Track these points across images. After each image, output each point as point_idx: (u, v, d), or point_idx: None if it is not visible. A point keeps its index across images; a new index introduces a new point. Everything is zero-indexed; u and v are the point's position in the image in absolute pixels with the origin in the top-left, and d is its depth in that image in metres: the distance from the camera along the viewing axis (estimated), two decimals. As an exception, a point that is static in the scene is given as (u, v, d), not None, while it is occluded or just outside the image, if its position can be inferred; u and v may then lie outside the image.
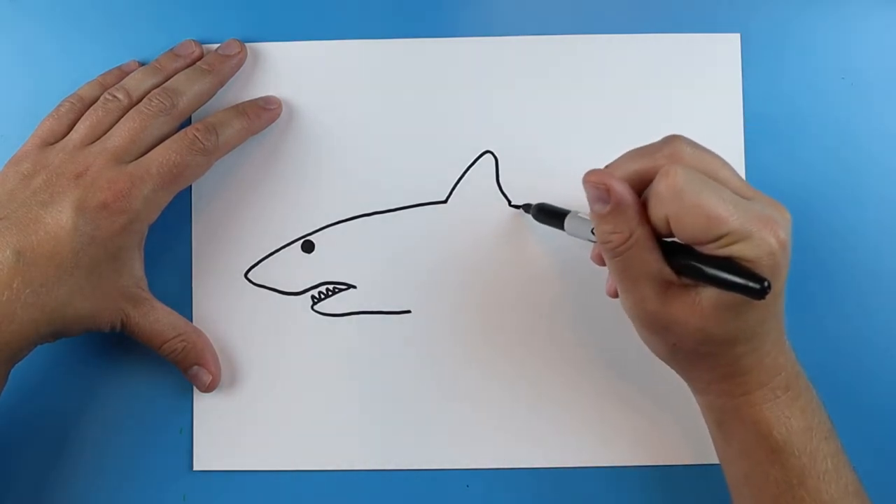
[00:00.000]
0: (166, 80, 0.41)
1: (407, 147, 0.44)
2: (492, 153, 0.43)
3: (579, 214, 0.38)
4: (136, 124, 0.39)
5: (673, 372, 0.37)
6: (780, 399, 0.34)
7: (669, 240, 0.33)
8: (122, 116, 0.40)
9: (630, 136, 0.43)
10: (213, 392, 0.42)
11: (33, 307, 0.36)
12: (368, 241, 0.43)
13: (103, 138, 0.39)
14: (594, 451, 0.42)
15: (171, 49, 0.43)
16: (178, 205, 0.42)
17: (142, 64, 0.43)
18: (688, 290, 0.33)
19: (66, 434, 0.43)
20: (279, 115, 0.43)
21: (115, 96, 0.40)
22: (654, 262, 0.33)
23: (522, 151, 0.43)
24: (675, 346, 0.34)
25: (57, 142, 0.40)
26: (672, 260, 0.33)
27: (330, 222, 0.43)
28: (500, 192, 0.43)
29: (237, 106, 0.42)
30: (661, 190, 0.31)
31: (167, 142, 0.39)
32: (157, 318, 0.40)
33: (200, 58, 0.43)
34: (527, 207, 0.42)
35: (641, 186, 0.33)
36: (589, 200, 0.33)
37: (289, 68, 0.44)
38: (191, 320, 0.43)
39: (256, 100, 0.43)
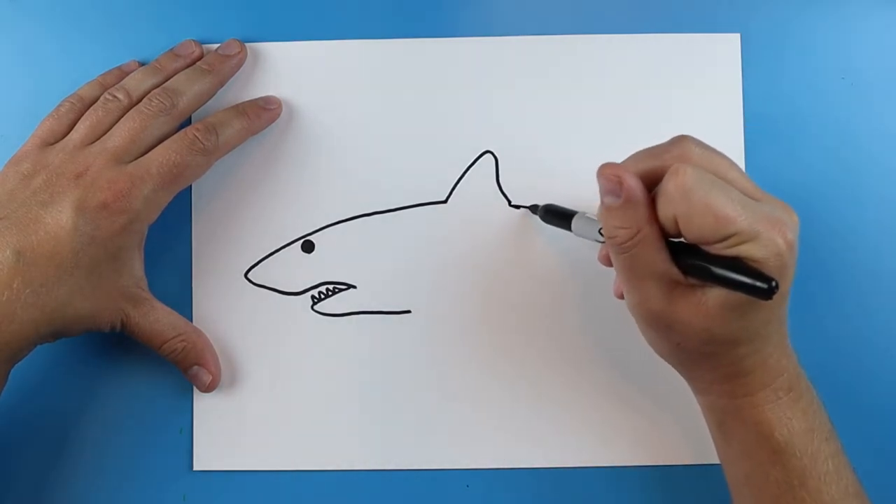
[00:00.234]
0: (166, 80, 0.41)
1: (407, 147, 0.44)
2: (492, 153, 0.43)
3: (587, 215, 0.38)
4: (136, 124, 0.39)
5: (673, 372, 0.37)
6: (781, 400, 0.34)
7: (676, 240, 0.33)
8: (122, 116, 0.40)
9: (630, 136, 0.43)
10: (213, 392, 0.42)
11: (33, 307, 0.36)
12: (368, 241, 0.43)
13: (103, 138, 0.39)
14: (594, 451, 0.42)
15: (171, 49, 0.43)
16: (178, 205, 0.42)
17: (142, 64, 0.43)
18: (693, 290, 0.33)
19: (66, 434, 0.43)
20: (279, 115, 0.43)
21: (115, 96, 0.40)
22: (660, 261, 0.33)
23: (522, 151, 0.43)
24: (678, 345, 0.34)
25: (57, 142, 0.40)
26: (679, 260, 0.33)
27: (330, 222, 0.43)
28: (500, 192, 0.43)
29: (237, 106, 0.42)
30: (669, 189, 0.31)
31: (167, 142, 0.39)
32: (157, 318, 0.40)
33: (200, 58, 0.43)
34: (534, 208, 0.42)
35: (650, 186, 0.33)
36: (601, 193, 0.33)
37: (289, 68, 0.44)
38: (191, 320, 0.43)
39: (256, 100, 0.43)
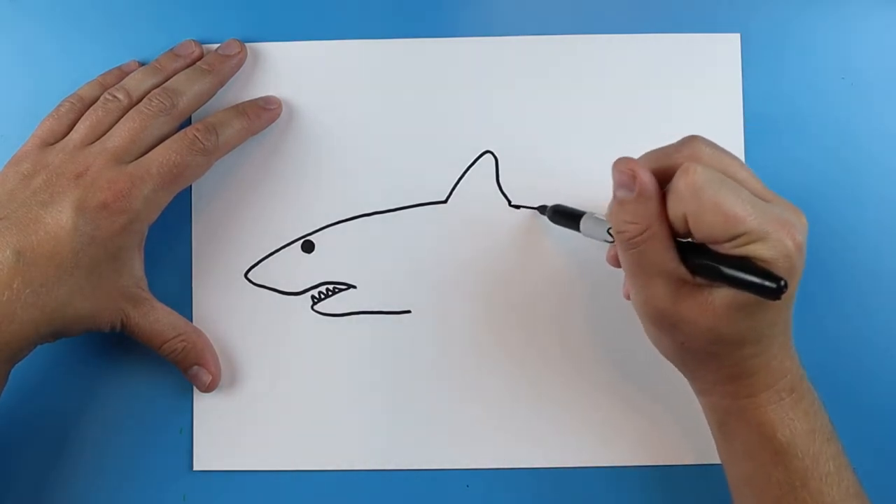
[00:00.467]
0: (166, 80, 0.41)
1: (407, 147, 0.44)
2: (492, 153, 0.43)
3: (595, 215, 0.38)
4: (136, 124, 0.39)
5: (673, 372, 0.37)
6: (784, 401, 0.34)
7: (685, 240, 0.33)
8: (122, 116, 0.40)
9: (630, 136, 0.43)
10: (213, 392, 0.42)
11: (33, 307, 0.36)
12: (368, 241, 0.43)
13: (103, 138, 0.39)
14: (594, 451, 0.42)
15: (171, 49, 0.43)
16: (178, 205, 0.42)
17: (142, 64, 0.43)
18: (700, 290, 0.33)
19: (66, 434, 0.43)
20: (279, 115, 0.43)
21: (115, 96, 0.40)
22: (668, 259, 0.33)
23: (522, 151, 0.43)
24: (683, 344, 0.34)
25: (57, 142, 0.40)
26: (687, 259, 0.33)
27: (330, 222, 0.43)
28: (500, 192, 0.43)
29: (237, 106, 0.42)
30: (680, 187, 0.31)
31: (167, 142, 0.39)
32: (157, 318, 0.40)
33: (200, 58, 0.43)
34: (542, 209, 0.42)
35: (661, 185, 0.33)
36: (614, 186, 0.33)
37: (289, 68, 0.44)
38: (191, 320, 0.43)
39: (256, 100, 0.43)
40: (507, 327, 0.43)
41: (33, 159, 0.39)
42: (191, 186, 0.43)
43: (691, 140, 0.33)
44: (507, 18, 0.44)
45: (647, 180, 0.32)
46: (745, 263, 0.31)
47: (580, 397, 0.43)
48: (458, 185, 0.43)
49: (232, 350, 0.43)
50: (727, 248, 0.31)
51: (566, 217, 0.40)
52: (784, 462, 0.34)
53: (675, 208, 0.32)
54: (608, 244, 0.39)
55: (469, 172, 0.43)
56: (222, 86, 0.43)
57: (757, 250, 0.31)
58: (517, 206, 0.43)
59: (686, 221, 0.32)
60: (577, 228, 0.39)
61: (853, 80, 0.44)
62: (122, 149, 0.39)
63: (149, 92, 0.41)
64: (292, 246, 0.43)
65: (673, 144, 0.34)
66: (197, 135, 0.40)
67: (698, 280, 0.33)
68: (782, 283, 0.29)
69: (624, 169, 0.33)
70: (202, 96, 0.42)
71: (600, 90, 0.44)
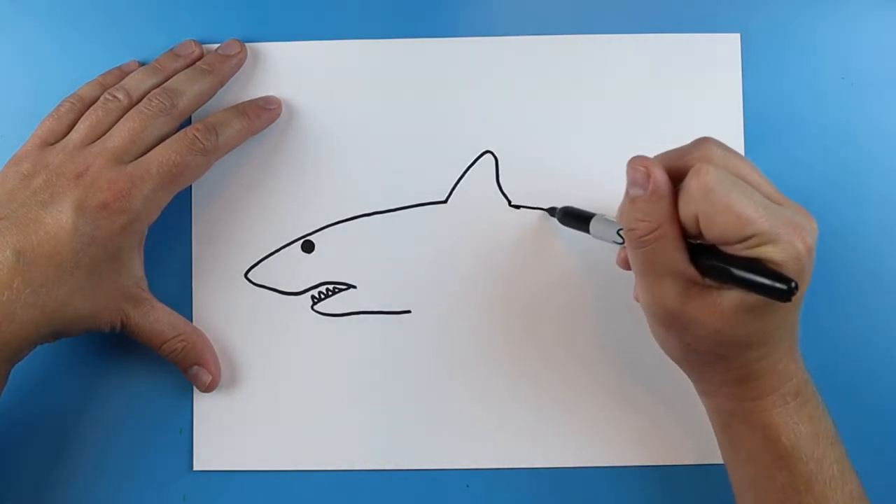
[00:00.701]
0: (166, 80, 0.41)
1: (407, 147, 0.44)
2: (492, 153, 0.43)
3: (605, 217, 0.38)
4: (136, 124, 0.39)
5: (675, 371, 0.37)
6: (789, 405, 0.34)
7: (695, 242, 0.33)
8: (122, 116, 0.40)
9: (630, 136, 0.43)
10: (213, 392, 0.42)
11: (33, 307, 0.36)
12: (368, 241, 0.43)
13: (103, 138, 0.39)
14: (594, 451, 0.42)
15: (171, 49, 0.43)
16: (178, 205, 0.42)
17: (142, 64, 0.43)
18: (709, 291, 0.33)
19: (66, 434, 0.43)
20: (279, 115, 0.43)
21: (115, 96, 0.40)
22: (678, 259, 0.33)
23: (522, 151, 0.43)
24: (689, 345, 0.34)
25: (57, 142, 0.40)
26: (698, 261, 0.33)
27: (330, 222, 0.43)
28: (500, 192, 0.43)
29: (237, 106, 0.42)
30: (692, 187, 0.31)
31: (167, 142, 0.40)
32: (156, 318, 0.40)
33: (200, 58, 0.43)
34: (551, 211, 0.42)
35: (672, 186, 0.33)
36: (627, 184, 0.34)
37: (289, 68, 0.44)
38: (191, 320, 0.43)
39: (256, 100, 0.43)
40: (507, 327, 0.43)
41: (33, 159, 0.39)
42: (191, 186, 0.43)
43: (703, 141, 0.33)
44: (507, 18, 0.44)
45: (661, 179, 0.32)
46: (756, 265, 0.31)
47: (580, 397, 0.43)
48: (458, 185, 0.43)
49: (232, 350, 0.43)
50: (738, 250, 0.31)
51: (576, 219, 0.40)
52: (788, 466, 0.34)
53: (687, 209, 0.32)
54: (612, 246, 0.39)
55: (469, 172, 0.43)
56: (222, 86, 0.43)
57: (767, 252, 0.31)
58: (517, 206, 0.43)
59: (697, 222, 0.32)
60: (586, 230, 0.39)
61: (853, 80, 0.44)
62: (122, 149, 0.39)
63: (149, 92, 0.41)
64: (292, 246, 0.43)
65: (685, 146, 0.34)
66: (197, 135, 0.40)
67: (707, 281, 0.33)
68: (793, 284, 0.29)
69: (638, 167, 0.33)
70: (202, 96, 0.42)
71: (600, 90, 0.44)
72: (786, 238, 0.31)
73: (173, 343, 0.40)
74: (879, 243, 0.43)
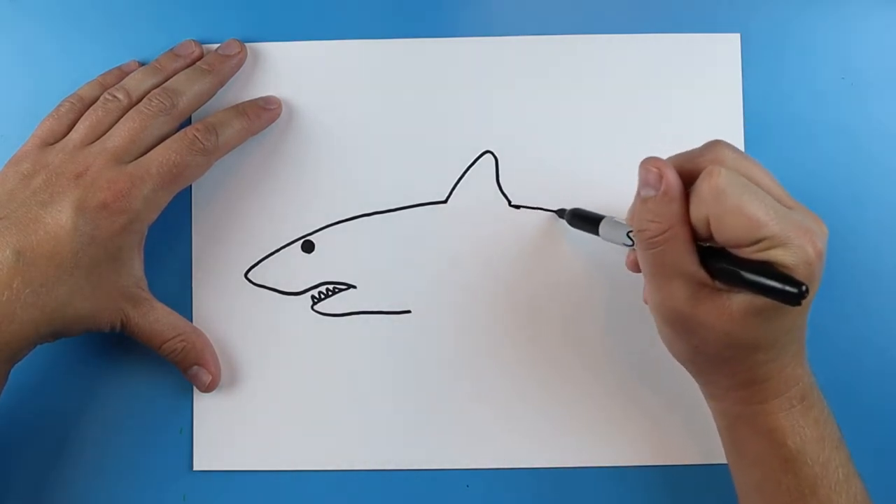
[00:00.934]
0: (166, 80, 0.41)
1: (407, 147, 0.44)
2: (492, 153, 0.43)
3: (614, 219, 0.38)
4: (136, 124, 0.39)
5: (677, 371, 0.37)
6: (795, 409, 0.34)
7: (705, 244, 0.33)
8: (122, 116, 0.40)
9: (630, 136, 0.43)
10: (213, 392, 0.42)
11: (33, 307, 0.36)
12: (368, 241, 0.43)
13: (103, 138, 0.39)
14: (595, 450, 0.42)
15: (171, 49, 0.43)
16: (178, 205, 0.42)
17: (142, 64, 0.43)
18: (719, 294, 0.33)
19: (66, 434, 0.43)
20: (279, 115, 0.43)
21: (115, 96, 0.40)
22: (688, 261, 0.33)
23: (522, 151, 0.43)
24: (697, 348, 0.34)
25: (57, 142, 0.40)
26: (708, 263, 0.33)
27: (330, 222, 0.43)
28: (500, 192, 0.43)
29: (237, 106, 0.42)
30: (703, 189, 0.31)
31: (167, 142, 0.40)
32: (156, 318, 0.40)
33: (200, 58, 0.43)
34: (561, 212, 0.42)
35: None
36: (639, 184, 0.34)
37: (289, 68, 0.44)
38: (191, 320, 0.43)
39: (256, 100, 0.43)
40: (507, 327, 0.43)
41: (33, 159, 0.39)
42: (191, 186, 0.43)
43: (715, 144, 0.33)
44: (507, 18, 0.44)
45: (673, 180, 0.32)
46: (766, 268, 0.31)
47: (581, 397, 0.43)
48: (458, 185, 0.43)
49: (232, 350, 0.43)
50: (748, 253, 0.31)
51: (585, 220, 0.40)
52: (794, 469, 0.34)
53: (698, 210, 0.32)
54: (613, 246, 0.39)
55: (469, 172, 0.43)
56: (222, 86, 0.43)
57: (778, 256, 0.31)
58: (517, 206, 0.43)
59: (708, 224, 0.32)
60: (595, 232, 0.39)
61: (853, 80, 0.44)
62: (122, 149, 0.39)
63: (149, 92, 0.41)
64: (292, 246, 0.43)
65: (696, 148, 0.34)
66: (197, 135, 0.40)
67: (717, 284, 0.33)
68: (803, 288, 0.29)
69: (651, 168, 0.33)
70: (202, 96, 0.42)
71: (600, 90, 0.44)
72: (797, 242, 0.31)
73: (173, 343, 0.40)
74: (879, 243, 0.43)
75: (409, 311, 0.43)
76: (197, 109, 0.42)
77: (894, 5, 0.44)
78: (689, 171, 0.33)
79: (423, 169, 0.43)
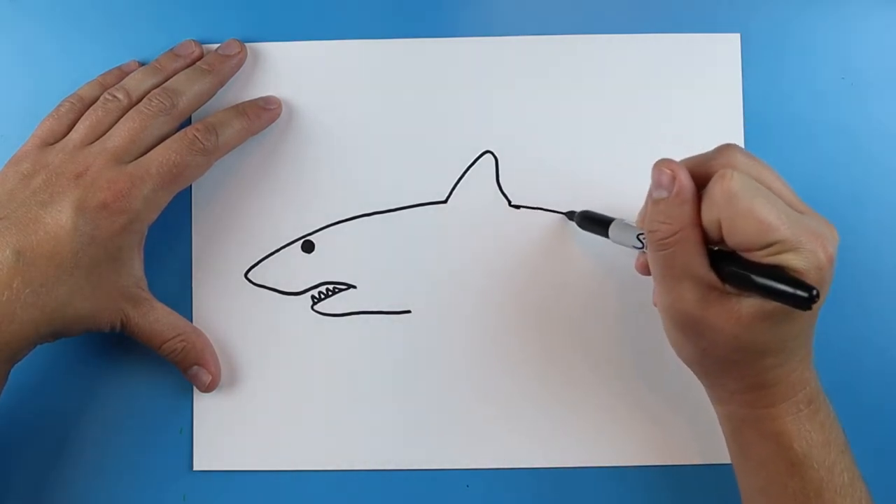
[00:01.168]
0: (166, 80, 0.41)
1: (407, 147, 0.44)
2: (492, 153, 0.43)
3: (624, 221, 0.38)
4: (136, 124, 0.39)
5: (680, 371, 0.37)
6: (802, 413, 0.34)
7: (716, 248, 0.33)
8: (122, 116, 0.40)
9: (630, 136, 0.43)
10: (213, 392, 0.42)
11: (33, 307, 0.36)
12: (368, 241, 0.43)
13: (103, 138, 0.39)
14: (595, 450, 0.42)
15: (171, 49, 0.43)
16: (178, 205, 0.42)
17: (142, 64, 0.43)
18: (728, 297, 0.33)
19: (66, 434, 0.43)
20: (279, 115, 0.43)
21: (115, 96, 0.40)
22: (698, 264, 0.33)
23: (522, 151, 0.43)
24: (705, 350, 0.34)
25: (57, 142, 0.40)
26: (718, 267, 0.33)
27: (330, 222, 0.43)
28: (500, 192, 0.43)
29: (237, 106, 0.42)
30: (715, 192, 0.31)
31: (167, 142, 0.39)
32: (156, 318, 0.40)
33: (200, 58, 0.43)
34: (570, 215, 0.42)
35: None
36: (651, 185, 0.34)
37: (289, 68, 0.44)
38: (191, 320, 0.43)
39: (256, 100, 0.43)
40: (507, 327, 0.43)
41: (33, 159, 0.39)
42: (191, 186, 0.43)
43: (727, 148, 0.33)
44: (507, 18, 0.44)
45: (686, 182, 0.32)
46: (777, 272, 0.31)
47: (581, 396, 0.43)
48: (458, 185, 0.43)
49: (232, 350, 0.43)
50: (759, 257, 0.31)
51: (594, 223, 0.40)
52: (800, 473, 0.34)
53: (710, 213, 0.32)
54: (615, 246, 0.39)
55: (469, 172, 0.43)
56: (222, 86, 0.43)
57: (789, 260, 0.31)
58: (517, 206, 0.43)
59: (719, 227, 0.32)
60: (604, 234, 0.39)
61: (853, 80, 0.44)
62: (122, 149, 0.39)
63: (149, 92, 0.41)
64: (292, 246, 0.43)
65: (709, 152, 0.34)
66: (197, 135, 0.40)
67: (727, 287, 0.33)
68: (814, 292, 0.29)
69: (664, 169, 0.33)
70: (202, 96, 0.42)
71: (600, 90, 0.44)
72: (808, 246, 0.31)
73: (173, 343, 0.40)
74: (879, 243, 0.43)
75: (409, 311, 0.43)
76: (197, 109, 0.42)
77: (894, 5, 0.44)
78: (701, 174, 0.33)
79: (423, 169, 0.43)
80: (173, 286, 0.43)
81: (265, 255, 0.43)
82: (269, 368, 0.43)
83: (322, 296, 0.43)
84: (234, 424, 0.43)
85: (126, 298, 0.39)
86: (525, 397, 0.43)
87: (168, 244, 0.43)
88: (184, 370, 0.41)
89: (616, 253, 0.41)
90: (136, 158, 0.39)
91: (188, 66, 0.43)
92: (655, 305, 0.36)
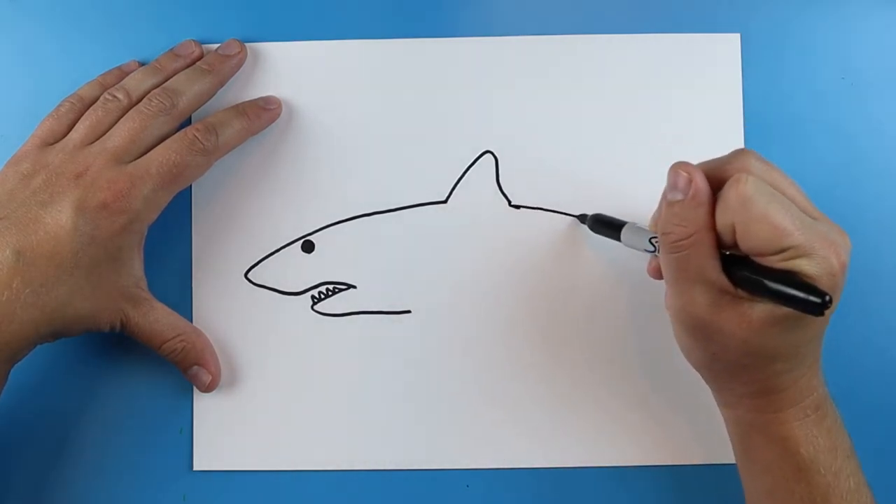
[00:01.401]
0: (166, 80, 0.41)
1: (407, 147, 0.44)
2: (492, 153, 0.43)
3: (636, 225, 0.38)
4: (136, 124, 0.39)
5: (679, 370, 0.37)
6: (809, 418, 0.35)
7: (729, 252, 0.33)
8: (122, 116, 0.40)
9: (630, 136, 0.43)
10: (213, 392, 0.42)
11: (33, 307, 0.36)
12: (368, 241, 0.43)
13: (103, 138, 0.39)
14: (595, 450, 0.42)
15: (171, 49, 0.43)
16: (178, 205, 0.42)
17: (142, 64, 0.43)
18: (740, 302, 0.33)
19: (66, 434, 0.43)
20: (279, 115, 0.43)
21: (115, 96, 0.40)
22: (711, 268, 0.33)
23: (522, 151, 0.43)
24: (715, 354, 0.34)
25: (57, 142, 0.40)
26: (731, 271, 0.33)
27: (330, 222, 0.43)
28: (500, 192, 0.43)
29: (237, 106, 0.42)
30: (730, 196, 0.32)
31: (167, 142, 0.39)
32: (156, 318, 0.40)
33: (200, 58, 0.43)
34: (582, 218, 0.42)
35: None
36: (667, 188, 0.33)
37: (289, 68, 0.44)
38: (191, 320, 0.43)
39: (256, 100, 0.43)
40: (508, 327, 0.43)
41: (33, 159, 0.39)
42: (191, 186, 0.43)
43: (742, 153, 0.33)
44: (507, 18, 0.44)
45: (703, 185, 0.32)
46: (790, 277, 0.31)
47: (581, 396, 0.43)
48: (458, 185, 0.43)
49: (232, 350, 0.43)
50: (772, 262, 0.31)
51: (606, 226, 0.40)
52: (806, 478, 0.34)
53: (724, 218, 0.32)
54: (616, 246, 0.39)
55: (469, 172, 0.43)
56: (222, 86, 0.43)
57: (802, 265, 0.31)
58: (517, 206, 0.43)
59: (733, 232, 0.32)
60: (616, 238, 0.39)
61: (853, 80, 0.44)
62: (122, 149, 0.39)
63: (149, 92, 0.41)
64: (292, 246, 0.43)
65: (724, 156, 0.34)
66: (197, 135, 0.40)
67: (739, 292, 0.33)
68: (827, 298, 0.29)
69: (681, 171, 0.33)
70: (202, 96, 0.42)
71: (600, 90, 0.44)
72: (821, 253, 0.31)
73: (173, 343, 0.40)
74: (879, 243, 0.43)
75: (409, 311, 0.43)
76: (197, 109, 0.42)
77: (894, 5, 0.44)
78: (715, 178, 0.33)
79: (423, 169, 0.43)
80: (173, 286, 0.43)
81: (265, 255, 0.43)
82: (269, 368, 0.43)
83: (322, 296, 0.43)
84: (234, 424, 0.43)
85: (126, 298, 0.39)
86: (525, 397, 0.43)
87: (168, 244, 0.43)
88: (184, 370, 0.41)
89: (616, 253, 0.42)
90: (136, 158, 0.39)
91: (188, 66, 0.43)
92: (667, 309, 0.36)
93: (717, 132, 0.43)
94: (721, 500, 0.42)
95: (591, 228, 0.41)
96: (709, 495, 0.42)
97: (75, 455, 0.43)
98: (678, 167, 0.33)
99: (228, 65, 0.43)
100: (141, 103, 0.40)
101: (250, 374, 0.43)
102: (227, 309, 0.43)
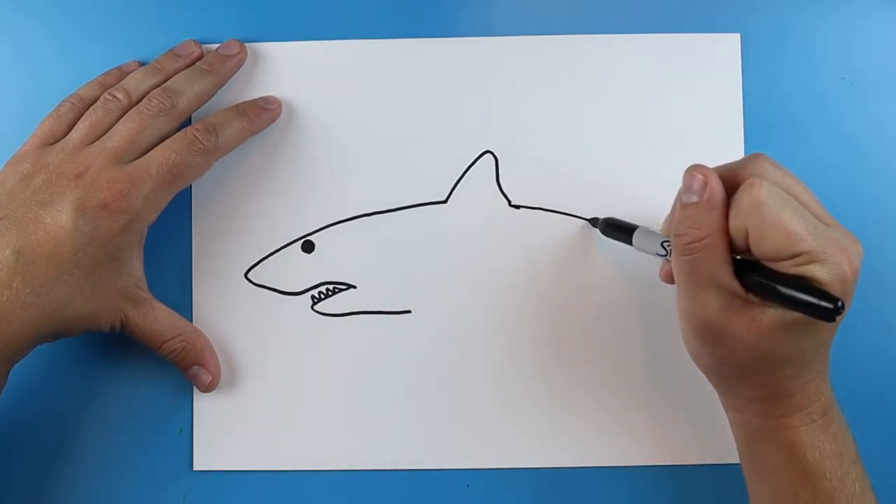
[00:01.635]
0: (166, 80, 0.41)
1: (407, 147, 0.44)
2: (492, 153, 0.43)
3: (648, 229, 0.38)
4: (136, 124, 0.39)
5: (682, 371, 0.37)
6: (816, 423, 0.35)
7: (740, 257, 0.33)
8: (121, 116, 0.40)
9: (630, 136, 0.43)
10: (213, 392, 0.42)
11: (33, 307, 0.36)
12: (368, 241, 0.43)
13: (103, 138, 0.39)
14: (596, 450, 0.42)
15: (171, 49, 0.43)
16: (178, 205, 0.42)
17: (142, 64, 0.43)
18: (751, 306, 0.33)
19: (66, 434, 0.43)
20: (279, 115, 0.43)
21: (114, 96, 0.40)
22: (723, 272, 0.33)
23: (522, 151, 0.43)
24: (723, 358, 0.34)
25: (57, 142, 0.40)
26: (743, 276, 0.33)
27: (330, 222, 0.43)
28: (500, 192, 0.43)
29: (237, 106, 0.42)
30: (743, 201, 0.32)
31: (167, 142, 0.39)
32: (156, 318, 0.40)
33: (200, 58, 0.43)
34: (594, 221, 0.42)
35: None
36: (681, 190, 0.34)
37: (289, 68, 0.44)
38: (191, 320, 0.43)
39: (256, 100, 0.43)
40: (507, 327, 0.43)
41: (33, 159, 0.39)
42: (191, 186, 0.43)
43: (756, 158, 0.34)
44: (507, 18, 0.44)
45: (718, 188, 0.32)
46: (802, 283, 0.31)
47: (581, 396, 0.43)
48: (458, 185, 0.43)
49: (232, 350, 0.43)
50: (784, 267, 0.31)
51: (618, 230, 0.40)
52: (812, 483, 0.34)
53: (737, 221, 0.32)
54: (617, 245, 0.39)
55: (469, 172, 0.43)
56: (222, 86, 0.43)
57: (814, 271, 0.31)
58: (517, 206, 0.43)
59: (746, 236, 0.32)
60: (628, 241, 0.39)
61: (853, 80, 0.44)
62: (122, 149, 0.39)
63: (149, 92, 0.41)
64: (292, 246, 0.43)
65: (738, 161, 0.34)
66: (197, 135, 0.40)
67: (750, 297, 0.33)
68: (839, 304, 0.29)
69: (696, 174, 0.33)
70: (202, 96, 0.42)
71: (600, 90, 0.44)
72: (834, 259, 0.31)
73: (173, 343, 0.40)
74: (879, 243, 0.43)
75: (409, 311, 0.43)
76: (197, 109, 0.42)
77: (894, 5, 0.44)
78: (729, 183, 0.33)
79: (423, 169, 0.43)
80: (173, 286, 0.43)
81: (265, 255, 0.43)
82: (269, 368, 0.43)
83: (322, 296, 0.43)
84: (234, 424, 0.43)
85: (126, 298, 0.39)
86: (526, 397, 0.43)
87: (168, 244, 0.43)
88: (184, 370, 0.41)
89: (622, 255, 0.42)
90: (136, 158, 0.39)
91: (188, 66, 0.43)
92: (678, 311, 0.36)
93: (717, 132, 0.43)
94: (721, 501, 0.42)
95: (603, 232, 0.41)
96: (709, 495, 0.42)
97: (75, 455, 0.43)
98: (694, 169, 0.33)
99: (228, 65, 0.43)
100: (141, 103, 0.40)
101: (250, 374, 0.43)
102: (227, 309, 0.43)
